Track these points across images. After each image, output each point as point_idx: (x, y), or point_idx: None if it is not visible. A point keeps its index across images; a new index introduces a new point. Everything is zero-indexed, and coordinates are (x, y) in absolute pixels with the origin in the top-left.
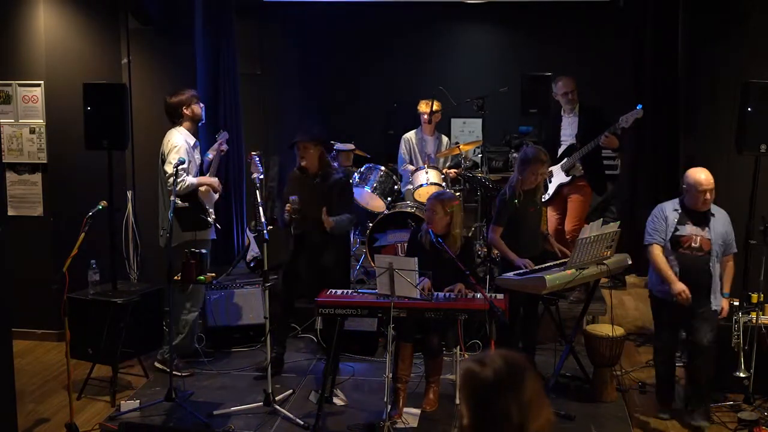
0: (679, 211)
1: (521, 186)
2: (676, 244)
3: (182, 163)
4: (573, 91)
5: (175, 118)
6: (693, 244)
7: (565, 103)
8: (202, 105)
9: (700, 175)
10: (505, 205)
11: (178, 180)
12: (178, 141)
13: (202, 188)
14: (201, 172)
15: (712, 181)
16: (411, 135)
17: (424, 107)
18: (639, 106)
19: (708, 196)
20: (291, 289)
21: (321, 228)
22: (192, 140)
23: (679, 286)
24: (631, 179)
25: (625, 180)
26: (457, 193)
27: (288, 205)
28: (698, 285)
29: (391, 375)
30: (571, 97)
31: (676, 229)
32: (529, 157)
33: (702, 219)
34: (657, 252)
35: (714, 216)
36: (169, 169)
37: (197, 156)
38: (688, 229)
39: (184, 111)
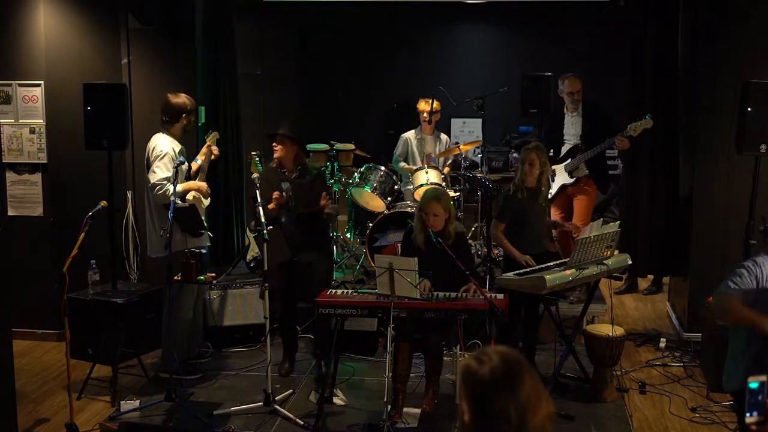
0: None
1: (523, 182)
2: None
3: (182, 163)
4: (578, 92)
5: (172, 121)
6: None
7: (569, 102)
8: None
9: None
10: (507, 200)
11: (159, 193)
12: (165, 147)
13: (189, 196)
14: (189, 177)
15: None
16: (411, 135)
17: (423, 105)
18: (648, 116)
19: None
20: (290, 294)
21: (303, 223)
22: (178, 147)
23: None
24: (631, 179)
25: (624, 180)
26: (457, 193)
27: (276, 194)
28: None
29: (391, 375)
30: (576, 98)
31: None
32: (521, 152)
33: None
34: (735, 304)
35: None
36: (152, 178)
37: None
38: None
39: (183, 118)
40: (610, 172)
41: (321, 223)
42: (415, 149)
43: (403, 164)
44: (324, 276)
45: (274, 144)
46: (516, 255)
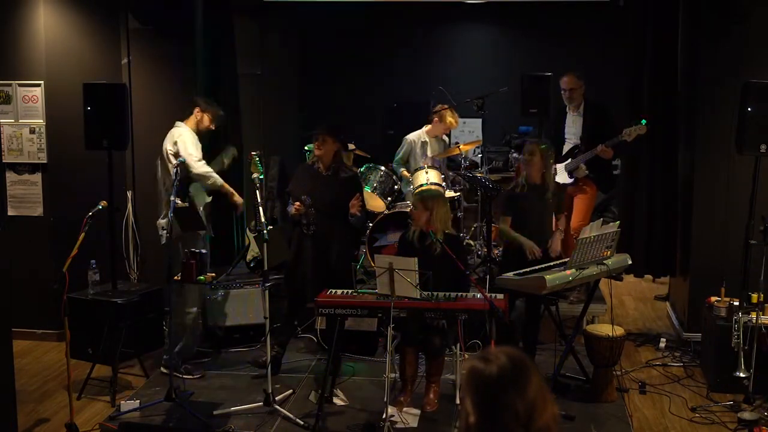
0: None
1: (526, 179)
2: None
3: (182, 162)
4: (571, 89)
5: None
6: None
7: (564, 99)
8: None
9: None
10: (508, 195)
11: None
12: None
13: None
14: None
15: None
16: (414, 137)
17: (450, 119)
18: (643, 122)
19: None
20: (298, 290)
21: (327, 222)
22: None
23: None
24: (630, 179)
25: (623, 180)
26: (457, 193)
27: (297, 203)
28: None
29: (392, 375)
30: (568, 95)
31: None
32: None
33: None
34: None
35: None
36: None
37: None
38: None
39: (197, 112)
40: (613, 172)
41: (345, 224)
42: (418, 152)
43: (403, 170)
44: (338, 276)
45: (315, 142)
46: (522, 241)
